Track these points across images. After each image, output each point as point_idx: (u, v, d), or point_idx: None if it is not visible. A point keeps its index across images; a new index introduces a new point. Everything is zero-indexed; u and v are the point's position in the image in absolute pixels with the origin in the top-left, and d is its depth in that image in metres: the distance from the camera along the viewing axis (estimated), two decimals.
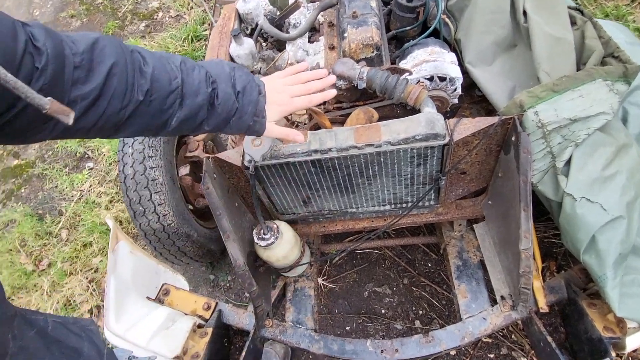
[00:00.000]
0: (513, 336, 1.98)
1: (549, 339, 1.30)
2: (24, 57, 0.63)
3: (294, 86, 1.10)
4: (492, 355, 1.97)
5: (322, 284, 2.25)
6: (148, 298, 1.69)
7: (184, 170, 1.72)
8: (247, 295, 1.40)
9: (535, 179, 1.31)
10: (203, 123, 0.95)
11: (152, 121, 0.87)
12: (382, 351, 1.50)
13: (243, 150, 1.37)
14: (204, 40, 3.38)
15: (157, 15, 3.79)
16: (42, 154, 3.10)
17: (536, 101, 1.28)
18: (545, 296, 1.46)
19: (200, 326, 1.61)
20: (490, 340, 2.00)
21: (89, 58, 0.73)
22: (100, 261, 2.47)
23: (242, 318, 1.64)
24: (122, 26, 3.77)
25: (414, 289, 2.19)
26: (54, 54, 0.67)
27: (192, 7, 3.67)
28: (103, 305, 1.59)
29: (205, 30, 3.43)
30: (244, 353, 1.47)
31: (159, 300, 1.70)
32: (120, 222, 2.64)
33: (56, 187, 2.89)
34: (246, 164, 1.35)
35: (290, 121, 1.73)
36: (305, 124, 1.58)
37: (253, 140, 1.33)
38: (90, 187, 2.83)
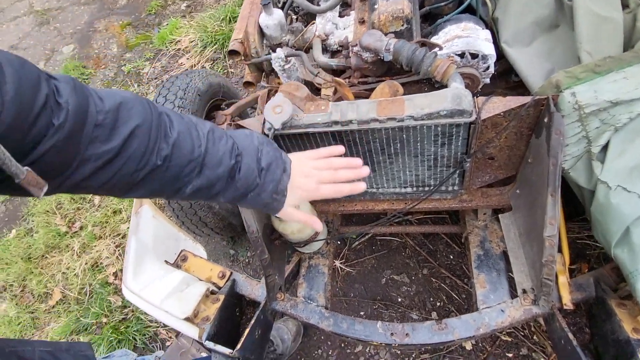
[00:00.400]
0: (535, 337, 1.89)
1: (571, 336, 1.22)
2: (42, 111, 0.61)
3: (322, 172, 1.01)
4: (510, 355, 1.89)
5: (340, 266, 2.23)
6: (166, 262, 1.73)
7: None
8: (260, 262, 1.39)
9: (567, 164, 1.23)
10: (219, 194, 0.90)
11: (166, 187, 0.83)
12: (392, 334, 1.46)
13: (264, 119, 1.37)
14: None
15: None
16: None
17: (574, 82, 1.19)
18: (571, 293, 1.37)
19: (213, 292, 1.63)
20: (509, 339, 1.91)
21: (113, 117, 0.71)
22: (128, 228, 2.55)
23: (254, 289, 1.64)
24: (165, 5, 3.87)
25: (434, 280, 2.13)
26: (75, 111, 0.65)
27: None
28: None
29: None
30: (252, 321, 1.48)
31: (176, 265, 1.74)
32: None
33: None
34: (266, 131, 1.35)
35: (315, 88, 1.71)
36: (329, 97, 1.56)
37: (274, 108, 1.32)
38: None
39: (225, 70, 3.24)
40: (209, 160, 0.84)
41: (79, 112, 0.66)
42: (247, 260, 2.40)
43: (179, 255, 1.78)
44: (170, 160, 0.79)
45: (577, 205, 1.99)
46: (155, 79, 3.35)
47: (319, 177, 1.00)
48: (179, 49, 3.45)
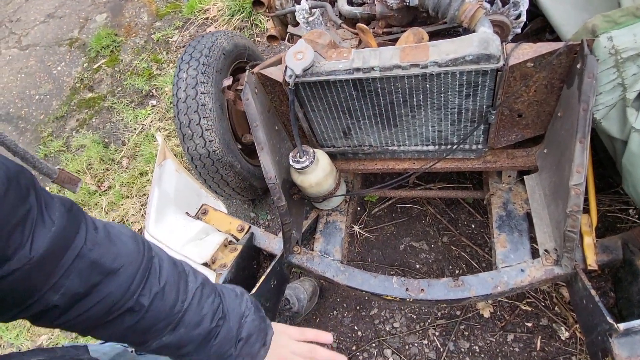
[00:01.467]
0: (557, 308, 1.84)
1: (593, 292, 1.18)
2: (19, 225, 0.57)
3: (298, 344, 0.93)
4: (530, 324, 1.84)
5: (359, 231, 2.23)
6: (187, 214, 1.77)
7: (227, 81, 1.72)
8: (277, 208, 1.41)
9: (599, 114, 1.17)
10: (186, 356, 0.80)
11: (132, 336, 0.74)
12: (407, 289, 1.46)
13: (286, 66, 1.36)
14: None
15: None
16: (113, 90, 3.32)
17: (612, 26, 1.12)
18: (597, 254, 1.32)
19: (231, 243, 1.66)
20: (530, 309, 1.87)
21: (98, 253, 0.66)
22: None
23: (272, 242, 1.66)
24: None
25: (453, 248, 2.10)
26: (58, 234, 0.61)
27: None
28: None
29: None
30: (268, 270, 1.50)
31: (197, 217, 1.77)
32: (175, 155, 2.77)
33: (122, 119, 3.09)
34: (287, 78, 1.34)
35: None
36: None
37: (295, 54, 1.31)
38: (151, 122, 3.00)
39: (253, 39, 3.23)
40: (188, 318, 0.76)
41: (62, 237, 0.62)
42: (267, 224, 2.43)
43: (199, 209, 1.81)
44: (147, 311, 0.71)
45: (609, 177, 1.91)
46: (184, 47, 3.39)
47: (294, 348, 0.91)
48: (207, 18, 3.47)
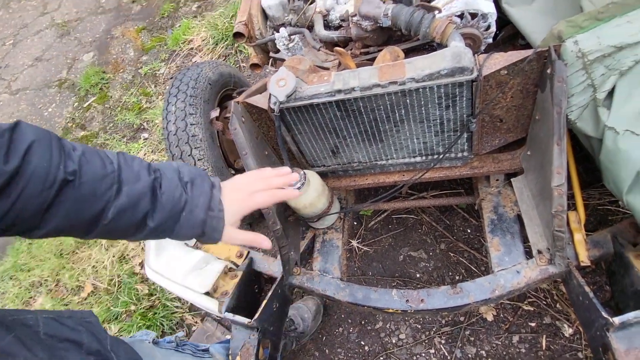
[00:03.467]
0: (558, 305, 1.86)
1: (587, 289, 1.20)
2: None
3: (254, 182, 0.98)
4: (533, 324, 1.86)
5: (357, 246, 2.25)
6: (186, 244, 1.78)
7: (215, 112, 1.75)
8: (273, 233, 1.43)
9: (573, 115, 1.21)
10: (147, 217, 0.81)
11: (84, 209, 0.75)
12: (407, 300, 1.47)
13: (270, 94, 1.40)
14: None
15: None
16: (105, 126, 3.37)
17: (577, 30, 1.18)
18: (588, 250, 1.35)
19: (231, 270, 1.67)
20: (532, 309, 1.89)
21: (8, 137, 0.69)
22: None
23: (271, 266, 1.68)
24: (177, 8, 3.98)
25: (452, 254, 2.12)
26: None
27: None
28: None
29: None
30: (269, 294, 1.51)
31: (196, 247, 1.79)
32: None
33: None
34: (272, 105, 1.38)
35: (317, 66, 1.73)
36: (338, 67, 1.58)
37: (278, 81, 1.35)
38: (144, 155, 3.03)
39: (237, 65, 3.31)
40: (125, 176, 0.79)
41: None
42: None
43: None
44: (81, 176, 0.74)
45: (597, 172, 1.95)
46: (171, 78, 3.45)
47: (251, 187, 0.95)
48: (192, 48, 3.54)
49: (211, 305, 1.49)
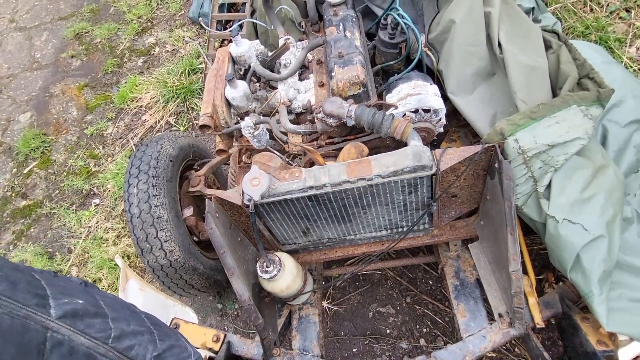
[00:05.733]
0: (517, 349, 2.03)
1: (546, 355, 1.35)
2: None
3: None
4: None
5: (327, 307, 2.31)
6: None
7: (188, 211, 1.79)
8: (254, 327, 1.46)
9: (519, 202, 1.38)
10: None
11: None
12: None
13: (242, 190, 1.45)
14: (200, 72, 3.49)
15: (154, 51, 3.92)
16: (50, 193, 3.19)
17: (515, 129, 1.35)
18: (541, 311, 1.51)
19: (211, 359, 1.66)
20: (494, 355, 2.04)
21: None
22: None
23: (250, 348, 1.69)
24: (121, 63, 3.90)
25: (417, 307, 2.24)
26: None
27: (187, 42, 3.80)
28: None
29: (201, 63, 3.54)
30: None
31: None
32: (128, 256, 2.71)
33: (64, 225, 2.97)
34: (246, 202, 1.43)
35: (286, 153, 1.81)
36: (300, 158, 1.66)
37: (251, 180, 1.41)
38: (97, 223, 2.91)
39: (190, 123, 3.30)
40: None
41: None
42: (235, 313, 2.43)
43: (170, 324, 1.80)
44: None
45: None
46: (120, 138, 3.36)
47: None
48: (141, 106, 3.48)
49: None
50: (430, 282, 2.31)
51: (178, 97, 3.36)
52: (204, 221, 1.99)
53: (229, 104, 1.71)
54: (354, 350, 2.19)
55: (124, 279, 1.80)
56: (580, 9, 2.95)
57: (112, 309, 0.93)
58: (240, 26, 2.59)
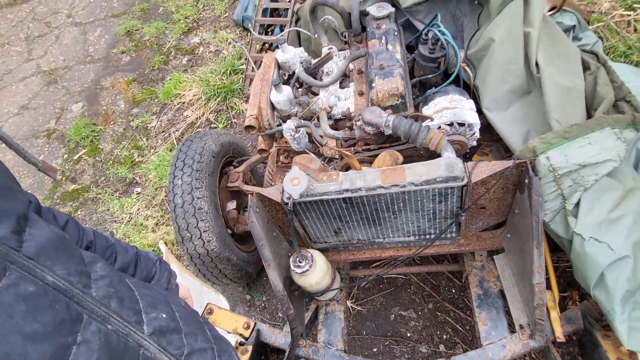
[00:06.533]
0: None
1: None
2: None
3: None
4: None
5: (351, 306, 2.39)
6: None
7: (232, 204, 1.92)
8: (285, 317, 1.56)
9: (547, 217, 1.43)
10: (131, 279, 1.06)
11: None
12: None
13: (283, 188, 1.56)
14: (241, 73, 3.65)
15: (198, 50, 4.11)
16: (96, 179, 3.41)
17: (548, 147, 1.41)
18: (562, 326, 1.55)
19: (241, 344, 1.78)
20: None
21: (52, 213, 0.98)
22: None
23: (278, 337, 1.80)
24: (167, 61, 4.11)
25: (439, 313, 2.30)
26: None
27: (230, 43, 3.97)
28: None
29: (242, 64, 3.70)
30: None
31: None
32: (165, 243, 2.87)
33: (108, 209, 3.17)
34: (285, 200, 1.54)
35: (322, 156, 1.91)
36: (337, 163, 1.76)
37: (292, 180, 1.51)
38: (138, 210, 3.10)
39: (229, 121, 3.45)
40: (118, 249, 1.09)
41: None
42: (263, 305, 2.55)
43: (205, 308, 1.93)
44: (95, 244, 1.04)
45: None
46: (163, 132, 3.55)
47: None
48: (183, 102, 3.67)
49: None
50: (453, 291, 2.35)
51: (219, 95, 3.52)
52: (243, 215, 2.13)
53: (273, 107, 1.83)
54: (374, 349, 2.27)
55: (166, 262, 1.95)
56: (624, 28, 2.92)
57: (185, 321, 0.95)
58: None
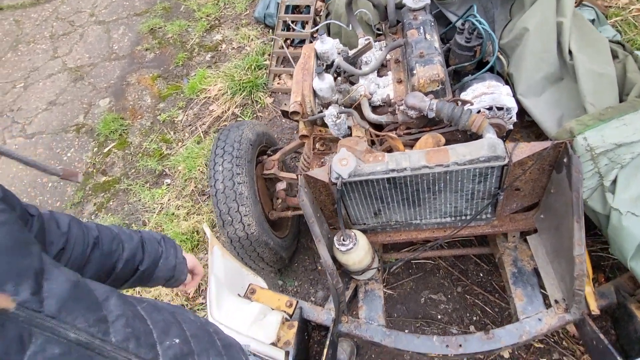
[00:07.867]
0: (564, 342, 2.13)
1: (602, 336, 1.47)
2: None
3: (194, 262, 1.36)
4: None
5: (383, 290, 2.47)
6: (239, 295, 1.97)
7: (282, 185, 2.01)
8: (334, 291, 1.65)
9: (584, 195, 1.51)
10: (140, 264, 1.13)
11: (105, 264, 1.05)
12: (447, 346, 1.71)
13: (330, 168, 1.65)
14: (265, 69, 3.75)
15: (221, 47, 4.22)
16: (126, 171, 3.52)
17: (584, 128, 1.49)
18: (597, 300, 1.63)
19: (286, 319, 1.87)
20: (542, 346, 2.15)
21: (54, 217, 1.01)
22: None
23: (320, 314, 1.89)
24: (190, 57, 4.22)
25: (468, 296, 2.38)
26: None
27: (252, 39, 4.08)
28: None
29: (266, 60, 3.80)
30: (327, 344, 1.72)
31: (247, 297, 1.98)
32: (197, 232, 2.97)
33: (139, 200, 3.28)
34: (334, 180, 1.63)
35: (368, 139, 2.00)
36: (376, 148, 1.85)
37: (340, 160, 1.61)
38: (168, 200, 3.20)
39: (255, 115, 3.55)
40: (124, 238, 1.12)
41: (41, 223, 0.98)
42: (295, 290, 2.64)
43: (247, 289, 2.02)
44: (102, 239, 1.06)
45: (587, 221, 2.28)
46: (190, 126, 3.66)
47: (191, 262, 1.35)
48: (209, 97, 3.77)
49: (278, 356, 1.68)
50: (481, 275, 2.44)
51: (244, 90, 3.62)
52: (293, 196, 2.21)
53: (315, 95, 1.92)
54: (406, 331, 2.35)
55: (211, 245, 2.04)
56: None
57: (196, 339, 0.95)
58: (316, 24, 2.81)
